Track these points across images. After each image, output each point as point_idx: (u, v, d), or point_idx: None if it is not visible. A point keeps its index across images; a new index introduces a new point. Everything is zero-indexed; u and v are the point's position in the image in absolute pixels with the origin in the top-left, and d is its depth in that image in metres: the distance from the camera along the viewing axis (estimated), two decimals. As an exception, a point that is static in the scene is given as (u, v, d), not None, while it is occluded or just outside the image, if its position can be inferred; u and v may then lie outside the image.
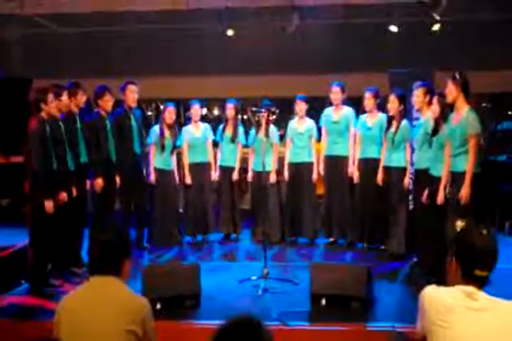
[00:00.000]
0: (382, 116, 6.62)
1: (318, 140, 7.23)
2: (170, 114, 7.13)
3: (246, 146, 7.53)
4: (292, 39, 9.53)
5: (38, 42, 9.93)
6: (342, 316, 4.42)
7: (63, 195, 5.32)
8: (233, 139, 7.37)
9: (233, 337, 1.81)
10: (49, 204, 5.01)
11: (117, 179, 6.42)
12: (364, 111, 6.88)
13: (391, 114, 6.36)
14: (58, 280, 5.40)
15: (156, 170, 7.13)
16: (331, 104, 7.18)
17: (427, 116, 5.67)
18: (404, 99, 6.28)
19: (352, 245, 6.92)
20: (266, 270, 5.37)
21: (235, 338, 1.81)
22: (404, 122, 6.29)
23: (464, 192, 4.90)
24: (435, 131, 5.44)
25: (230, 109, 7.40)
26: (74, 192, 5.65)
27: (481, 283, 2.43)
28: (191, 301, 4.72)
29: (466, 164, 4.93)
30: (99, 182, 6.12)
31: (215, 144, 7.59)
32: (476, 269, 2.41)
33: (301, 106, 7.12)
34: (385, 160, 6.44)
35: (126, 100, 6.73)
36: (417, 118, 6.13)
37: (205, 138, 7.41)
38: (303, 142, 7.15)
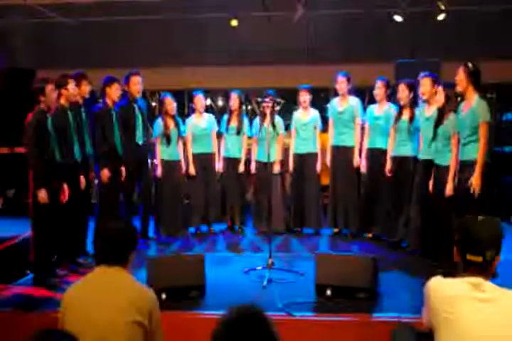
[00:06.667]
0: (390, 107, 6.59)
1: (323, 130, 7.20)
2: (170, 104, 7.08)
3: (250, 137, 7.50)
4: (297, 29, 9.48)
5: (41, 32, 9.91)
6: (347, 307, 4.41)
7: (65, 187, 5.33)
8: (239, 131, 7.33)
9: (236, 327, 1.81)
10: (41, 194, 4.97)
11: (123, 170, 6.42)
12: (370, 101, 6.85)
13: (402, 102, 6.30)
14: (63, 270, 5.42)
15: (164, 161, 7.11)
16: (335, 95, 7.16)
17: (435, 108, 5.61)
18: (413, 87, 6.22)
19: (357, 235, 6.91)
20: (271, 260, 5.37)
21: (238, 328, 1.81)
22: (417, 111, 6.23)
23: (475, 182, 4.86)
24: (439, 121, 5.40)
25: (234, 100, 7.34)
26: (81, 182, 5.67)
27: (480, 270, 2.42)
28: (196, 292, 4.71)
29: (477, 153, 4.89)
30: (106, 172, 6.12)
31: (219, 135, 7.54)
32: (467, 254, 2.42)
33: (305, 97, 7.07)
34: (399, 150, 6.34)
35: (129, 91, 6.70)
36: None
37: (210, 129, 7.36)
38: (307, 132, 7.13)
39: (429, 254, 5.63)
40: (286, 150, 7.36)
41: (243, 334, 1.80)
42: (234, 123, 7.36)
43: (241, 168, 7.36)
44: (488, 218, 2.51)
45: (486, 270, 2.43)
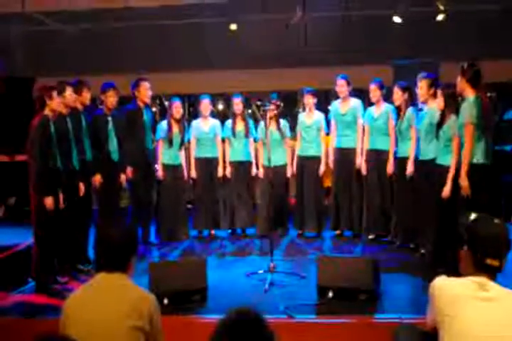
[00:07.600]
0: (387, 107, 6.63)
1: (328, 133, 7.21)
2: (177, 109, 7.16)
3: (255, 141, 7.50)
4: (296, 32, 9.50)
5: (39, 40, 9.94)
6: (349, 308, 4.40)
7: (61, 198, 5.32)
8: (247, 134, 7.35)
9: (231, 329, 1.82)
10: (48, 201, 4.99)
11: (122, 176, 6.42)
12: (370, 103, 6.90)
13: (397, 104, 6.37)
14: (64, 277, 5.40)
15: (164, 165, 7.15)
16: (337, 97, 7.18)
17: (432, 106, 5.64)
18: (408, 89, 6.26)
19: (359, 237, 6.91)
20: (273, 264, 5.37)
21: (233, 331, 1.82)
22: (410, 110, 6.25)
23: (463, 183, 4.85)
24: (440, 123, 5.40)
25: (237, 104, 7.36)
26: (80, 189, 5.67)
27: (493, 273, 2.43)
28: (198, 296, 4.71)
29: (472, 154, 4.89)
30: (98, 178, 6.13)
31: (223, 139, 7.50)
32: (487, 258, 2.41)
33: (309, 100, 7.12)
34: (398, 151, 6.41)
35: (140, 96, 6.80)
36: (421, 109, 6.10)
37: (214, 134, 7.37)
38: (311, 135, 7.14)
39: (434, 254, 5.60)
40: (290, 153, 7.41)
41: (239, 336, 1.80)
42: (240, 127, 7.38)
43: (253, 170, 7.38)
44: (496, 220, 2.51)
45: (497, 271, 2.44)
